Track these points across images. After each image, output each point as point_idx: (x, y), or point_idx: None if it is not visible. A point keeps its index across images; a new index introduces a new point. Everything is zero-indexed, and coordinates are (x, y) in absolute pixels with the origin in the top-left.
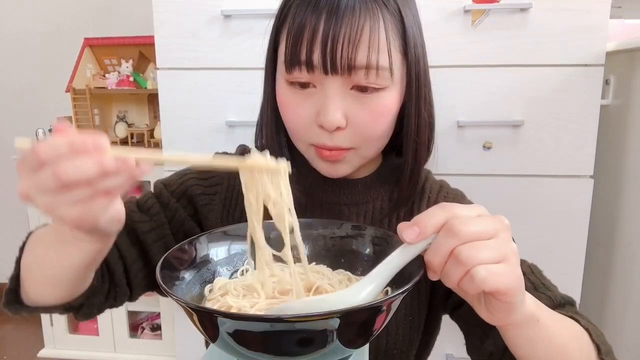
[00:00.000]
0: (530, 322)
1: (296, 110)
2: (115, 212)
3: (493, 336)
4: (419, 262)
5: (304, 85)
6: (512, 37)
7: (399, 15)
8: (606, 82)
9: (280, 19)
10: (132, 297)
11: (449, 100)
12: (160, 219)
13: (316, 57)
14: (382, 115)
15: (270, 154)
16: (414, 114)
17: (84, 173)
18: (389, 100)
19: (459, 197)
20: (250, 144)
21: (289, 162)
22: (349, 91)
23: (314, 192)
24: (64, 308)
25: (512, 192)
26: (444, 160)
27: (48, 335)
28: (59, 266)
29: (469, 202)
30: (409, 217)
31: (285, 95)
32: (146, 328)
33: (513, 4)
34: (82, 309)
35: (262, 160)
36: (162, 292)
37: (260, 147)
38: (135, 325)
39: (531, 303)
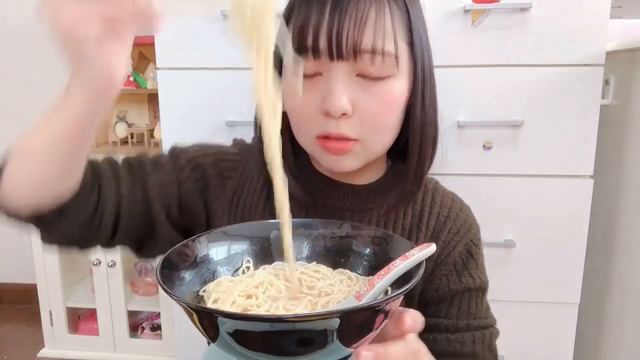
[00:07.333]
0: None
1: (301, 99)
2: (108, 54)
3: None
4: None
5: (310, 77)
6: (512, 37)
7: (404, 7)
8: (606, 82)
9: (287, 15)
10: (111, 241)
11: (448, 100)
12: (170, 178)
13: (322, 42)
14: (389, 104)
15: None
16: (419, 106)
17: None
18: (396, 90)
19: (469, 221)
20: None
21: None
22: (355, 78)
23: (317, 195)
24: (41, 220)
25: (512, 192)
26: (444, 160)
27: (48, 335)
28: (48, 132)
29: (475, 220)
30: (415, 229)
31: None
32: (146, 328)
33: (513, 4)
34: (61, 224)
35: None
36: (142, 255)
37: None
38: (135, 325)
39: None
